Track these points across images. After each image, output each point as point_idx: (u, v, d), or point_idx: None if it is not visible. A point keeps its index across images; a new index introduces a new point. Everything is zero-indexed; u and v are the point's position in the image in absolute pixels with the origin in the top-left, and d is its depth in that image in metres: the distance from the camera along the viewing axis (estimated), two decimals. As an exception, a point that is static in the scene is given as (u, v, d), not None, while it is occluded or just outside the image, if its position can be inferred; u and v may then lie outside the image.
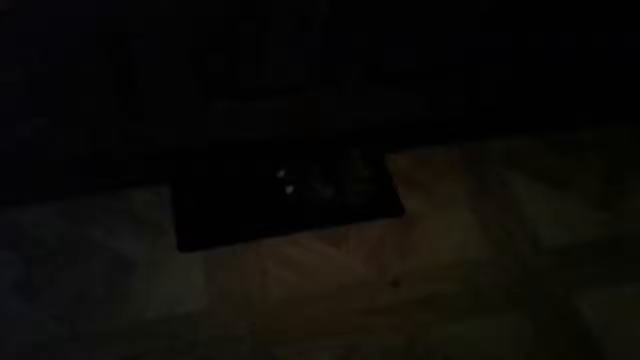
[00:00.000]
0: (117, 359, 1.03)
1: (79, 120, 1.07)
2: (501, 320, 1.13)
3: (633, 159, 1.42)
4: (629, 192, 1.35)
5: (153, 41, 0.98)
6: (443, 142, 1.38)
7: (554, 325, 1.13)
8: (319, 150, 1.32)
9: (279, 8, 0.99)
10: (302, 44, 1.06)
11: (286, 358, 1.06)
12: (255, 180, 1.28)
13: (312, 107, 1.18)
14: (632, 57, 1.32)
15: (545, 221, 1.28)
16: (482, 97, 1.29)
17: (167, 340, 1.06)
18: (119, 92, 1.03)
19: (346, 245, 1.21)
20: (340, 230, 1.23)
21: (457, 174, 1.34)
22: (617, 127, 1.47)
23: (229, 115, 1.12)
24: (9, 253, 1.14)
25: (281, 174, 1.29)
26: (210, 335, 1.07)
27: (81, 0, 0.90)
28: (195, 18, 0.97)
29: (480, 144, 1.40)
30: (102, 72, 0.98)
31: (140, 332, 1.07)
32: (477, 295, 1.16)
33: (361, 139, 1.33)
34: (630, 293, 1.19)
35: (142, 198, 1.24)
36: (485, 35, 1.17)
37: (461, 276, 1.19)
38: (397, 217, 1.26)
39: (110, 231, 1.19)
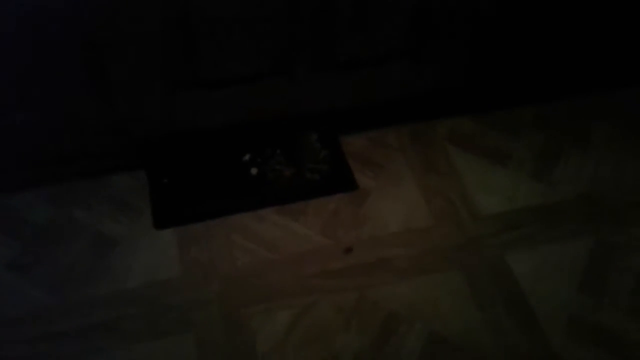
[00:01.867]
0: (102, 322, 1.18)
1: (59, 114, 1.21)
2: (440, 280, 1.28)
3: (568, 134, 1.57)
4: (562, 165, 1.50)
5: (122, 38, 1.11)
6: (393, 123, 1.53)
7: (487, 282, 1.29)
8: (281, 134, 1.46)
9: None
10: (258, 36, 1.19)
11: (251, 317, 1.21)
12: (223, 163, 1.42)
13: (269, 95, 1.32)
14: (567, 34, 1.46)
15: (484, 192, 1.43)
16: (427, 79, 1.43)
17: (146, 305, 1.21)
18: (93, 88, 1.17)
19: (305, 218, 1.36)
20: (300, 205, 1.38)
21: (406, 152, 1.49)
22: (555, 104, 1.62)
23: (193, 103, 1.26)
24: (2, 235, 1.29)
25: (246, 157, 1.43)
26: (184, 299, 1.22)
27: (56, 5, 1.03)
28: (162, 18, 1.10)
29: (426, 123, 1.55)
30: (75, 69, 1.12)
31: (122, 299, 1.22)
32: (420, 259, 1.32)
33: (318, 122, 1.47)
34: (557, 251, 1.34)
35: (122, 182, 1.38)
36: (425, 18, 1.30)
37: (407, 243, 1.34)
38: (351, 192, 1.41)
39: (93, 213, 1.33)
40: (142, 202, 1.35)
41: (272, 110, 1.38)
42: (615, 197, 1.45)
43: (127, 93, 1.21)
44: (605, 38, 1.51)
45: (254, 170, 1.41)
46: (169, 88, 1.22)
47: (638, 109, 1.64)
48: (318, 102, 1.40)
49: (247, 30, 1.17)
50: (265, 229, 1.34)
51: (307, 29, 1.22)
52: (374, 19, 1.24)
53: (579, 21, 1.43)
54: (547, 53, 1.50)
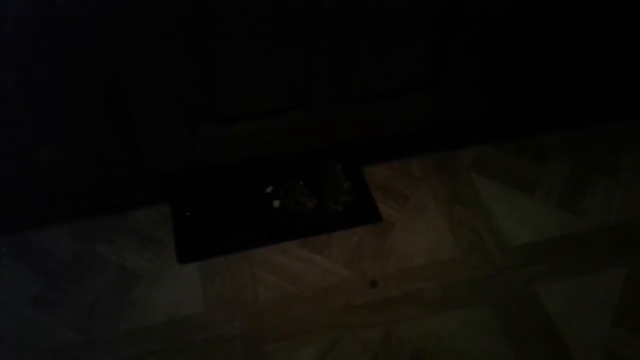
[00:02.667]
0: (126, 359, 1.17)
1: (83, 151, 1.22)
2: (468, 315, 1.25)
3: (595, 162, 1.53)
4: (591, 194, 1.47)
5: (143, 79, 1.12)
6: (416, 153, 1.51)
7: (517, 317, 1.25)
8: (303, 166, 1.45)
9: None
10: (276, 71, 1.19)
11: (274, 353, 1.19)
12: (246, 196, 1.41)
13: (289, 129, 1.32)
14: (591, 58, 1.44)
15: (511, 222, 1.40)
16: (447, 110, 1.42)
17: (168, 342, 1.20)
18: (115, 125, 1.17)
19: (329, 251, 1.34)
20: (323, 238, 1.36)
21: (430, 182, 1.47)
22: (581, 132, 1.59)
23: (214, 137, 1.27)
24: (28, 271, 1.29)
25: (269, 189, 1.42)
26: (206, 336, 1.21)
27: (78, 38, 1.05)
28: (177, 57, 1.11)
29: (451, 152, 1.53)
30: (97, 107, 1.13)
31: (144, 335, 1.21)
32: (447, 293, 1.29)
33: (340, 153, 1.46)
34: (588, 283, 1.30)
35: (145, 216, 1.38)
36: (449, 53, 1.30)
37: (433, 276, 1.31)
38: (375, 224, 1.39)
39: (117, 248, 1.33)
40: (165, 236, 1.35)
41: (293, 143, 1.38)
42: (647, 227, 1.41)
43: (148, 126, 1.22)
44: (631, 63, 1.49)
45: (276, 203, 1.40)
46: (190, 122, 1.22)
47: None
48: (338, 135, 1.39)
49: (265, 65, 1.17)
50: (289, 263, 1.32)
51: (326, 63, 1.22)
52: (390, 53, 1.24)
53: (604, 45, 1.41)
54: (572, 77, 1.48)
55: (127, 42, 1.06)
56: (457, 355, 1.19)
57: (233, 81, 1.18)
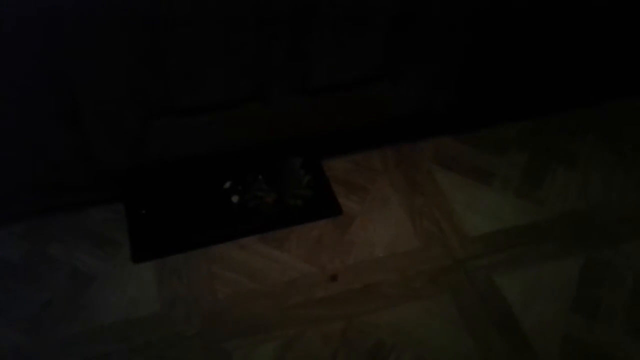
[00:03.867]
0: (79, 362, 1.14)
1: (30, 147, 1.17)
2: (428, 306, 1.24)
3: (553, 150, 1.55)
4: (549, 182, 1.48)
5: (90, 67, 1.09)
6: (377, 146, 1.50)
7: (476, 307, 1.25)
8: (262, 161, 1.43)
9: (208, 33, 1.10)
10: (230, 62, 1.17)
11: (234, 351, 1.16)
12: (203, 191, 1.38)
13: (246, 121, 1.30)
14: (545, 51, 1.45)
15: (471, 213, 1.41)
16: (407, 102, 1.41)
17: (123, 342, 1.16)
18: (62, 119, 1.14)
19: (288, 246, 1.32)
20: (283, 233, 1.34)
21: (391, 175, 1.46)
22: (538, 123, 1.60)
23: (168, 131, 1.23)
24: (-25, 274, 1.24)
25: (227, 184, 1.40)
26: (164, 335, 1.18)
27: (26, 38, 1.01)
28: (130, 46, 1.08)
29: (411, 144, 1.52)
30: (44, 99, 1.09)
31: (98, 336, 1.17)
32: (408, 284, 1.28)
33: (300, 147, 1.44)
34: (547, 271, 1.31)
35: (99, 215, 1.34)
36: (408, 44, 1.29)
37: (393, 268, 1.30)
38: (335, 218, 1.38)
39: (69, 248, 1.29)
40: (120, 236, 1.31)
41: (250, 137, 1.36)
42: (604, 213, 1.43)
43: (98, 122, 1.18)
44: (584, 53, 1.51)
45: (235, 198, 1.38)
46: (142, 117, 1.19)
47: (621, 122, 1.63)
48: (297, 127, 1.37)
49: (217, 56, 1.15)
50: (248, 259, 1.30)
51: (281, 52, 1.20)
52: (348, 41, 1.22)
53: (558, 37, 1.42)
54: (527, 70, 1.49)
55: (74, 37, 1.02)
56: (418, 345, 1.18)
57: (186, 73, 1.15)
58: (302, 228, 1.35)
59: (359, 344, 1.18)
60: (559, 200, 1.44)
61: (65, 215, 1.33)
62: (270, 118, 1.32)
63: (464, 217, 1.39)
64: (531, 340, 1.20)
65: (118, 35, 1.05)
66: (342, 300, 1.25)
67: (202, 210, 1.35)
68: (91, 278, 1.25)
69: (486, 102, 1.55)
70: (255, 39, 1.15)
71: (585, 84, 1.60)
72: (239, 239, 1.32)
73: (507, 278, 1.30)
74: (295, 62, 1.23)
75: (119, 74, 1.11)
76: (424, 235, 1.36)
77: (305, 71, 1.26)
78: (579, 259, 1.34)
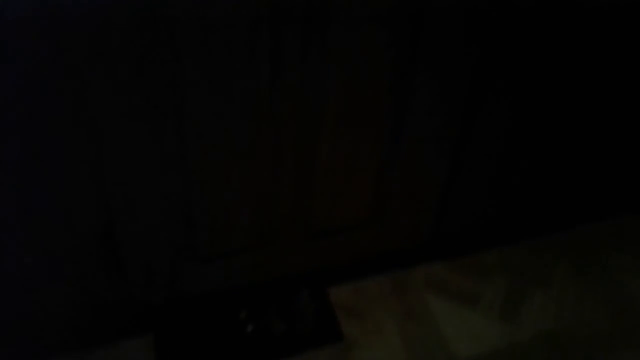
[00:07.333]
0: None
1: (79, 292, 1.38)
2: None
3: (531, 274, 1.74)
4: (527, 305, 1.67)
5: (135, 228, 1.31)
6: (375, 273, 1.71)
7: None
8: (275, 291, 1.63)
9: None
10: (243, 214, 1.40)
11: None
12: (222, 322, 1.58)
13: (261, 262, 1.51)
14: (523, 185, 1.68)
15: (459, 336, 1.58)
16: (395, 239, 1.63)
17: None
18: (104, 262, 1.35)
19: (296, 374, 1.50)
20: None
21: (386, 300, 1.66)
22: (517, 249, 1.81)
23: (195, 272, 1.45)
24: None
25: (243, 315, 1.59)
26: None
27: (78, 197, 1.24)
28: (162, 209, 1.31)
29: (405, 272, 1.72)
30: (92, 248, 1.31)
31: None
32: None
33: (308, 278, 1.65)
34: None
35: (129, 345, 1.53)
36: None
37: (390, 391, 1.47)
38: (337, 343, 1.56)
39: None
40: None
41: (266, 273, 1.56)
42: (578, 332, 1.61)
43: (137, 267, 1.39)
44: (555, 182, 1.74)
45: (249, 327, 1.57)
46: (174, 261, 1.40)
47: (593, 244, 1.84)
48: (305, 264, 1.58)
49: (232, 209, 1.38)
50: (262, 384, 1.47)
51: (288, 204, 1.43)
52: (342, 195, 1.46)
53: (530, 169, 1.65)
54: (503, 201, 1.71)
55: (121, 194, 1.26)
56: None
57: (209, 226, 1.38)
58: (307, 355, 1.53)
59: None
60: (537, 322, 1.63)
61: (98, 346, 1.51)
62: (279, 258, 1.54)
63: (452, 341, 1.57)
64: None
65: (151, 191, 1.27)
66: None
67: (221, 338, 1.54)
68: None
69: (468, 232, 1.76)
70: (267, 192, 1.38)
71: (559, 212, 1.83)
72: (253, 366, 1.50)
73: (492, 398, 1.46)
74: (297, 211, 1.45)
75: (156, 225, 1.33)
76: None
77: (306, 218, 1.48)
78: (557, 377, 1.51)
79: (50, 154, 1.15)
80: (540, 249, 1.81)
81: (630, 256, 1.81)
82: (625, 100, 1.58)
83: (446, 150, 1.48)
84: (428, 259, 1.75)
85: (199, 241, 1.41)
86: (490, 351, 1.55)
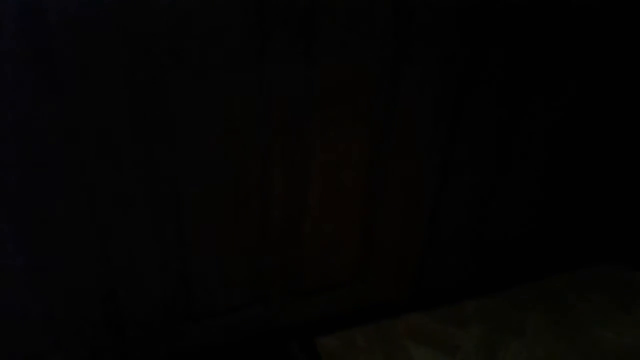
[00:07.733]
0: None
1: (72, 345, 1.48)
2: None
3: (507, 324, 1.86)
4: (502, 354, 1.78)
5: (135, 294, 1.42)
6: (361, 324, 1.82)
7: None
8: (266, 344, 1.74)
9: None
10: (232, 274, 1.51)
11: None
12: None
13: (252, 318, 1.62)
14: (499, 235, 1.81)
15: (438, 385, 1.70)
16: (378, 294, 1.75)
17: None
18: (110, 332, 1.46)
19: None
20: (283, 409, 1.63)
21: (371, 349, 1.77)
22: (493, 299, 1.94)
23: (187, 331, 1.56)
24: None
25: (236, 367, 1.70)
26: None
27: (82, 269, 1.35)
28: (160, 272, 1.42)
29: (389, 321, 1.84)
30: (97, 319, 1.42)
31: None
32: None
33: (298, 330, 1.76)
34: None
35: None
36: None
37: None
38: (325, 394, 1.67)
39: None
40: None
41: (257, 328, 1.67)
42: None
43: (138, 329, 1.50)
44: (528, 235, 1.87)
45: (243, 380, 1.67)
46: (171, 322, 1.51)
47: (563, 292, 1.96)
48: (293, 318, 1.69)
49: (222, 270, 1.49)
50: None
51: (277, 261, 1.54)
52: (328, 250, 1.58)
53: (508, 219, 1.78)
54: (481, 256, 1.84)
55: (122, 273, 1.37)
56: None
57: (205, 294, 1.50)
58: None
59: None
60: (512, 370, 1.74)
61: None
62: (270, 314, 1.65)
63: (432, 390, 1.69)
64: None
65: (151, 261, 1.39)
66: None
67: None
68: None
69: (449, 283, 1.88)
70: (256, 247, 1.50)
71: (532, 263, 1.96)
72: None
73: None
74: (286, 270, 1.57)
75: (154, 292, 1.44)
76: (400, 408, 1.64)
77: (296, 276, 1.60)
78: None
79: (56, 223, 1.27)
80: (515, 298, 1.94)
81: (597, 303, 1.93)
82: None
83: (425, 209, 1.61)
84: (410, 310, 1.87)
85: (195, 301, 1.52)
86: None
